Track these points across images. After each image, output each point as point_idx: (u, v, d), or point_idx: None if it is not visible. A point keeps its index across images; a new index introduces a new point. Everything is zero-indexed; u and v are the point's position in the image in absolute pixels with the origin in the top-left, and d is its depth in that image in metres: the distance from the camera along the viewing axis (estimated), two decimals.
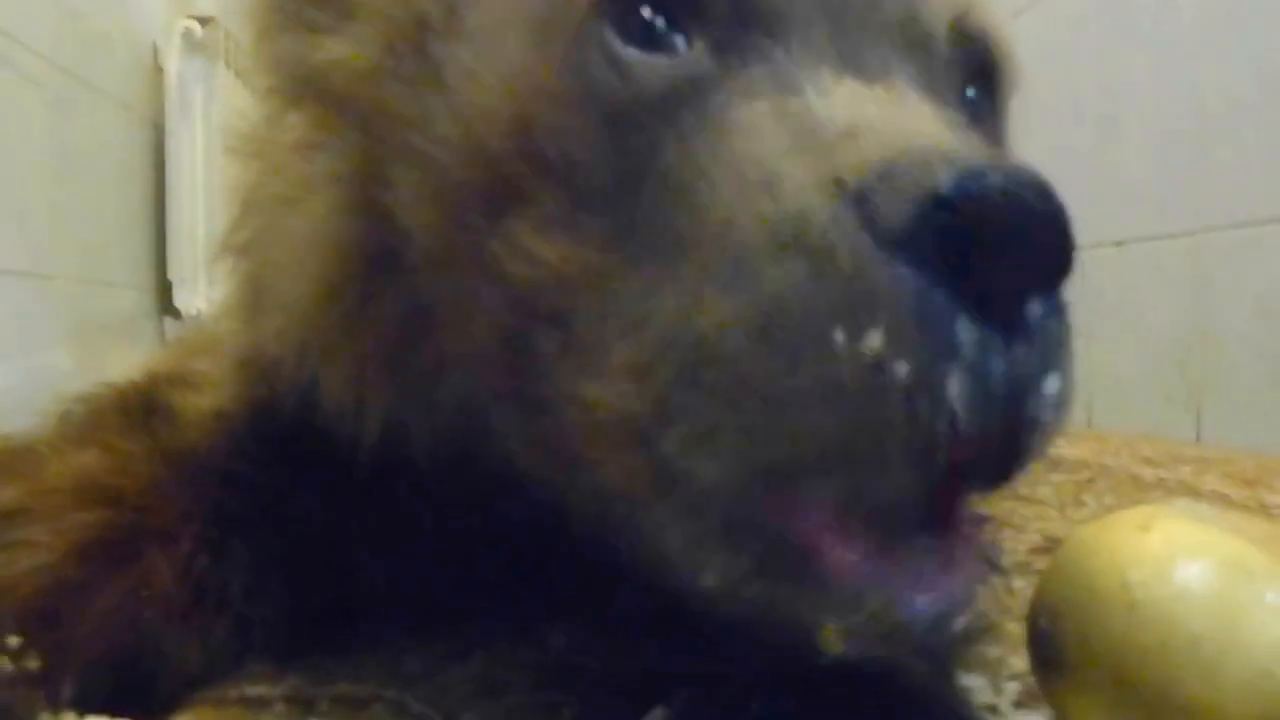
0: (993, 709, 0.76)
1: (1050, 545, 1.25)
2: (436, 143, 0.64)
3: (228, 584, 0.79)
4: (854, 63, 0.57)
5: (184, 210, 2.99)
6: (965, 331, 0.47)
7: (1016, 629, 0.82)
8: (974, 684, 0.78)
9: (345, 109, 0.72)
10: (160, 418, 0.89)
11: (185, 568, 0.77)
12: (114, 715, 0.64)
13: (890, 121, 0.52)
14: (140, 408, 0.91)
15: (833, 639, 0.51)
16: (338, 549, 0.84)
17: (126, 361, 2.49)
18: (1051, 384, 0.50)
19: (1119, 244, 2.48)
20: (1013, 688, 0.80)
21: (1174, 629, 0.62)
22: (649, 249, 0.55)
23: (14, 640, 0.64)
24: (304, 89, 0.76)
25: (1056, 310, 0.51)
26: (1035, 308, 0.49)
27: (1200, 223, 2.26)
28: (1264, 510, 1.49)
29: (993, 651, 0.82)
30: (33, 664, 0.64)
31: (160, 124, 3.06)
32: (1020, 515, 1.43)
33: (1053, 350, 0.51)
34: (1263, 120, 2.11)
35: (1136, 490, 1.68)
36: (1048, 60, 2.68)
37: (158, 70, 3.10)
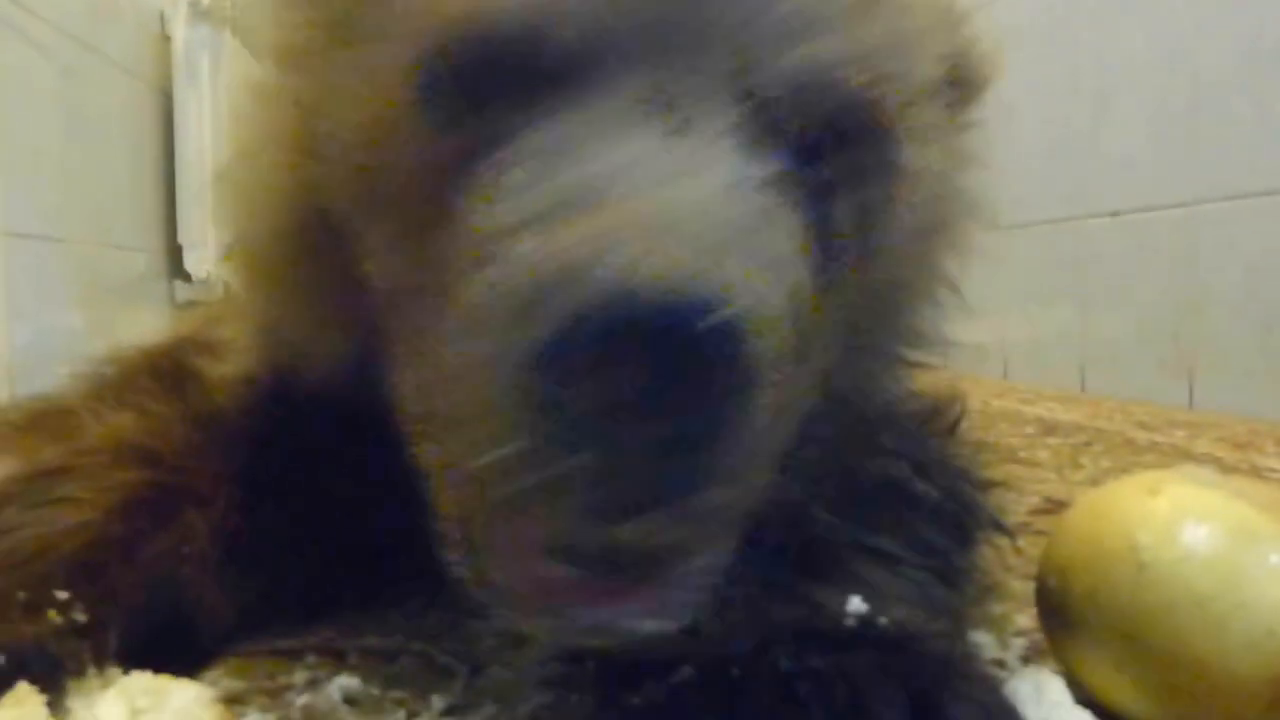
0: (1000, 664, 0.78)
1: (1051, 506, 1.27)
2: (332, 139, 0.69)
3: (260, 543, 0.81)
4: (665, 113, 0.56)
5: (192, 175, 3.00)
6: (590, 446, 0.47)
7: (1021, 587, 0.85)
8: (982, 640, 0.79)
9: (288, 77, 0.76)
10: (190, 383, 0.90)
11: (220, 527, 0.79)
12: (155, 668, 0.65)
13: (636, 198, 0.50)
14: (170, 372, 0.92)
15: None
16: (362, 508, 0.86)
17: (137, 323, 2.52)
18: (704, 497, 0.50)
19: (1114, 214, 2.50)
20: (1019, 643, 0.82)
21: (1181, 589, 0.64)
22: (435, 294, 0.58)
23: (62, 594, 0.65)
24: (270, 50, 0.79)
25: (718, 422, 0.49)
26: (689, 422, 0.48)
27: (1192, 194, 2.29)
28: (1257, 473, 1.50)
29: (999, 609, 0.84)
30: (80, 617, 0.65)
31: (168, 91, 3.07)
32: (1019, 478, 1.44)
33: (705, 464, 0.49)
34: (1254, 95, 2.13)
35: (1131, 454, 1.70)
36: (1044, 35, 2.70)
37: (165, 38, 3.10)
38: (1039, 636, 0.83)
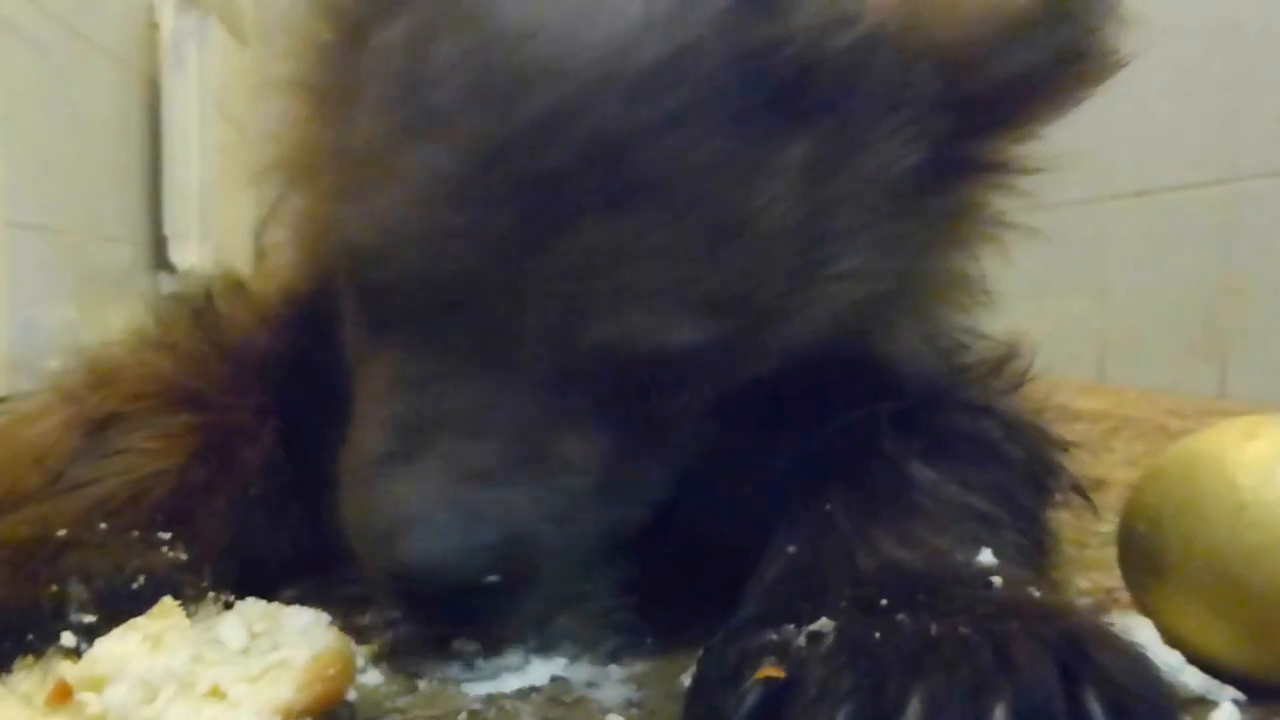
0: None
1: (1090, 483, 1.25)
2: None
3: (300, 476, 0.83)
4: (490, 358, 0.67)
5: (179, 165, 2.96)
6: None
7: (1074, 553, 0.86)
8: None
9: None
10: (223, 318, 0.91)
11: (267, 462, 0.81)
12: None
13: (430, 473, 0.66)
14: (204, 310, 0.92)
15: None
16: None
17: (121, 315, 2.48)
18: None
19: (1140, 194, 2.42)
20: (1083, 604, 0.81)
21: None
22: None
23: (165, 535, 0.71)
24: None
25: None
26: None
27: (1232, 171, 2.19)
28: None
29: (1057, 574, 0.84)
30: (182, 556, 0.70)
31: (155, 80, 3.03)
32: None
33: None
34: None
35: (1165, 439, 1.64)
36: None
37: (152, 26, 3.06)
38: (1103, 597, 0.84)
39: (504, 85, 0.63)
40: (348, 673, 0.58)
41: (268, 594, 0.67)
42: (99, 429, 0.79)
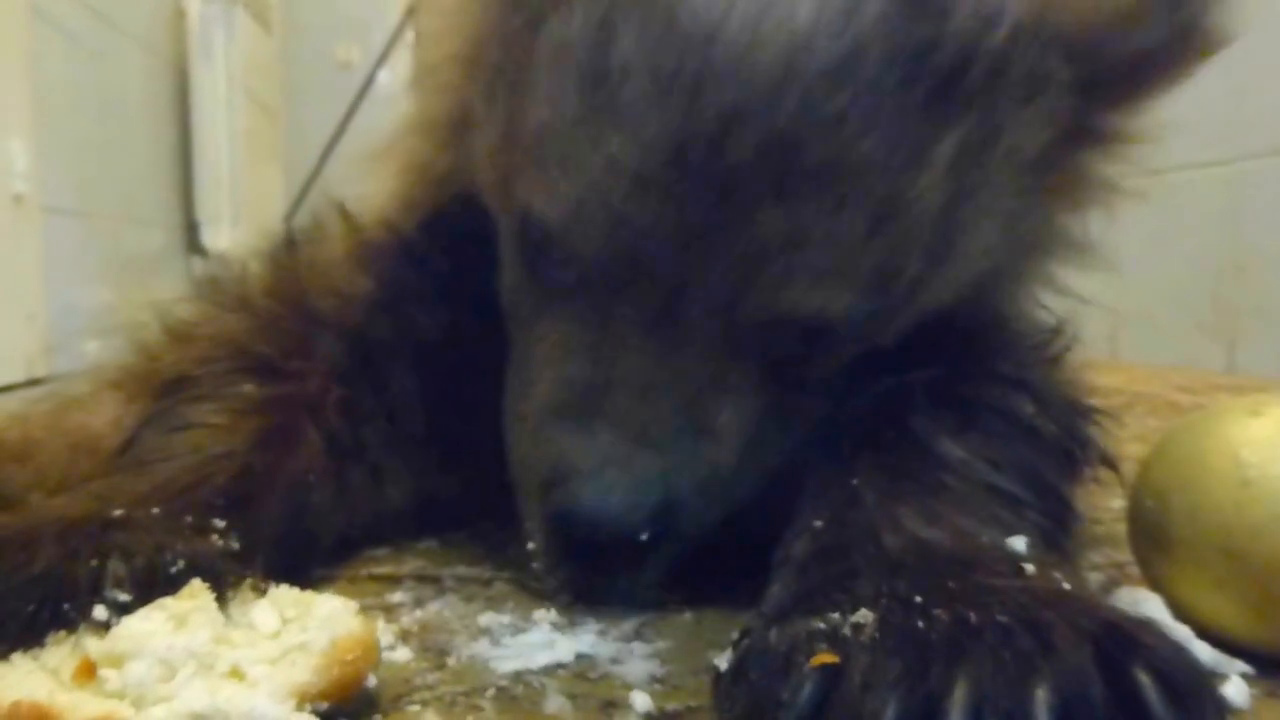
0: None
1: (1102, 459, 1.27)
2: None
3: (364, 452, 0.87)
4: (660, 331, 0.72)
5: (208, 151, 3.00)
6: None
7: (1087, 528, 0.86)
8: None
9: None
10: (300, 271, 0.94)
11: (331, 437, 0.84)
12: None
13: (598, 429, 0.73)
14: (286, 259, 0.95)
15: None
16: (462, 417, 0.90)
17: (156, 299, 2.51)
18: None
19: (1154, 172, 2.39)
20: (1096, 578, 0.83)
21: None
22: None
23: (220, 523, 0.72)
24: None
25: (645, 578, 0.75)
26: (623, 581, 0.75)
27: (1240, 150, 2.23)
28: None
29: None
30: (234, 545, 0.71)
31: (183, 67, 3.07)
32: None
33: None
34: None
35: (1176, 414, 1.67)
36: None
37: (179, 14, 3.10)
38: (1114, 572, 0.85)
39: (686, 83, 0.67)
40: (369, 659, 0.58)
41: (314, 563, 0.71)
42: (171, 390, 0.82)
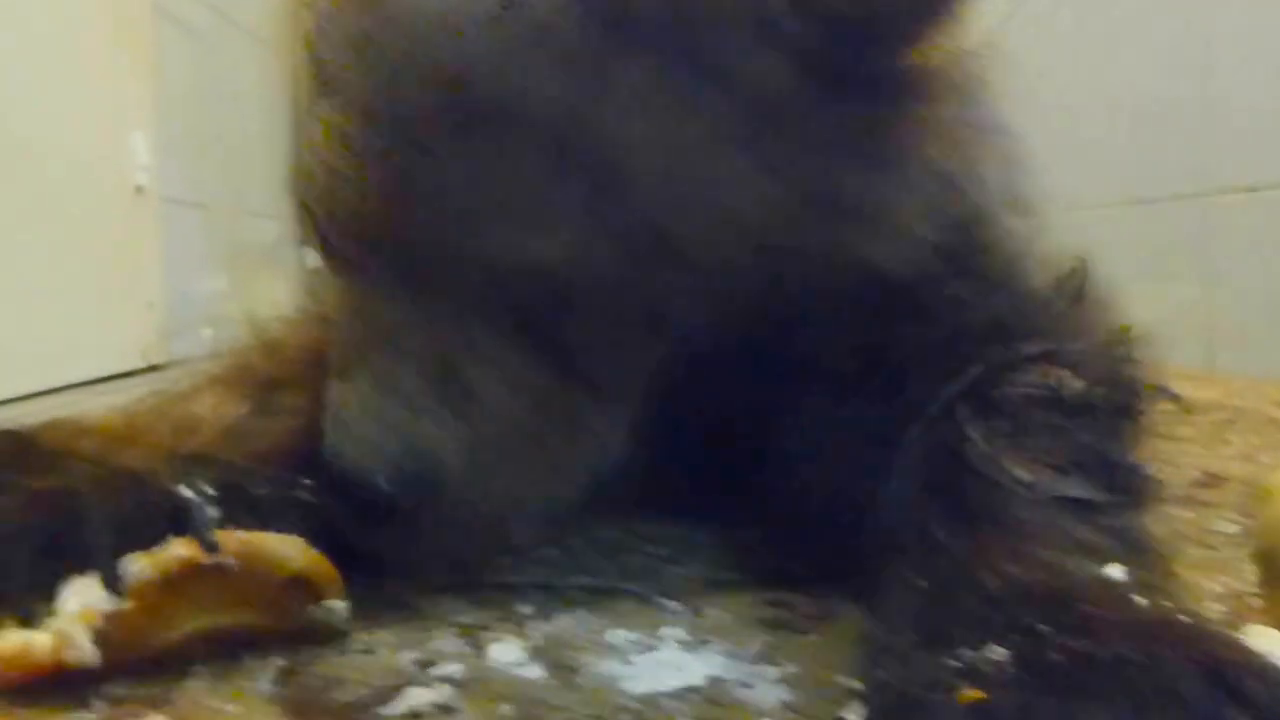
0: None
1: (1209, 480, 1.23)
2: None
3: None
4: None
5: None
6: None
7: (1201, 554, 0.85)
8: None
9: None
10: None
11: None
12: None
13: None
14: None
15: None
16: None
17: (272, 289, 2.56)
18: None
19: (1251, 189, 2.37)
20: (1215, 609, 0.79)
21: None
22: None
23: (307, 481, 0.77)
24: None
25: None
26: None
27: None
28: None
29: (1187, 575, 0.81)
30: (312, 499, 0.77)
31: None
32: (1168, 453, 1.41)
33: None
34: None
35: (1277, 431, 1.63)
36: (1142, 9, 2.61)
37: None
38: (1236, 603, 0.81)
39: (368, 39, 0.70)
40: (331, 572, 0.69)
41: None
42: (268, 391, 0.88)
